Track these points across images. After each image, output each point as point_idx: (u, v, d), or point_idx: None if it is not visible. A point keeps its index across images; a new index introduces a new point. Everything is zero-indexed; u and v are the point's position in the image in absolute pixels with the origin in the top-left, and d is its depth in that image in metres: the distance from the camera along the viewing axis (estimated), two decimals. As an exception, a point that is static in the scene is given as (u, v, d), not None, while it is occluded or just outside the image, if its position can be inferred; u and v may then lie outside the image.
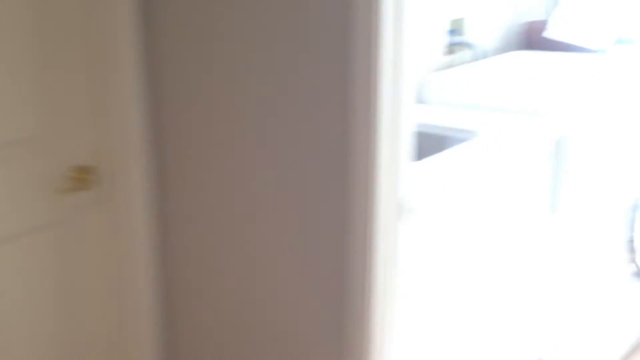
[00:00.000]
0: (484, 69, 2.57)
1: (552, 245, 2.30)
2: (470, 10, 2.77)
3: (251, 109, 1.56)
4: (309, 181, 1.51)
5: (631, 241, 2.26)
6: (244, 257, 1.67)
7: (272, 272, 1.62)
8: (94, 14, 1.61)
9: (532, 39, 2.88)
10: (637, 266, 2.32)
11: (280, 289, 1.62)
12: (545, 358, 2.19)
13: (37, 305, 1.65)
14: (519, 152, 2.00)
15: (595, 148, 2.18)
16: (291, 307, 1.61)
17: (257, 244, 1.63)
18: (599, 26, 2.70)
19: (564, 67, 2.56)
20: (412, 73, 1.45)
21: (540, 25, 2.86)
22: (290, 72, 1.47)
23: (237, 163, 1.61)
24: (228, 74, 1.57)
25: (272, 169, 1.56)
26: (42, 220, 1.61)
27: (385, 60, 1.36)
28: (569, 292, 2.33)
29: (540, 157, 2.15)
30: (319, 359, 1.58)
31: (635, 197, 2.23)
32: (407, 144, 1.48)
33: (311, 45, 1.43)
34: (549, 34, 2.74)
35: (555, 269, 2.33)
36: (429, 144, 2.18)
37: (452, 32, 2.72)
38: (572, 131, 2.20)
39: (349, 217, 1.43)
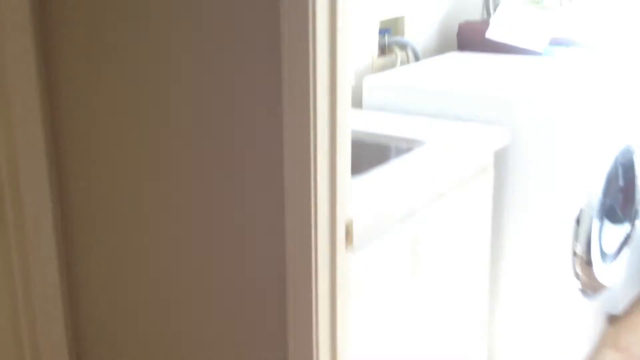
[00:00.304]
0: (422, 71, 2.42)
1: (496, 260, 2.17)
2: (403, 9, 2.62)
3: (160, 121, 1.34)
4: (237, 204, 1.31)
5: (575, 255, 2.16)
6: (162, 302, 1.45)
7: (193, 319, 1.41)
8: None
9: (468, 39, 2.76)
10: (581, 282, 2.23)
11: (207, 339, 1.41)
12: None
13: None
14: (462, 163, 1.86)
15: (538, 156, 2.06)
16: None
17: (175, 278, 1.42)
18: (538, 28, 2.60)
19: (508, 69, 2.44)
20: (349, 76, 1.28)
21: (476, 26, 2.74)
22: (209, 86, 1.27)
23: (151, 182, 1.40)
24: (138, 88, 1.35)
25: (191, 190, 1.35)
26: None
27: (320, 64, 1.18)
28: (515, 309, 2.21)
29: (481, 167, 2.01)
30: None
31: (579, 208, 2.12)
32: (347, 157, 1.30)
33: (234, 46, 1.23)
34: (490, 34, 2.62)
35: (499, 286, 2.21)
36: (368, 154, 2.01)
37: (386, 31, 2.57)
38: (514, 139, 2.07)
39: (285, 251, 1.24)
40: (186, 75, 1.29)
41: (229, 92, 1.26)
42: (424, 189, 1.69)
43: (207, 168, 1.32)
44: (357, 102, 2.33)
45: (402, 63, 2.58)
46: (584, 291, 2.28)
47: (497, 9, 2.71)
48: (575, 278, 2.21)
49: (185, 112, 1.31)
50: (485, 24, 2.69)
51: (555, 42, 2.59)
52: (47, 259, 1.54)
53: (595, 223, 2.19)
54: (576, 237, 2.15)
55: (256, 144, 1.25)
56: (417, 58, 2.61)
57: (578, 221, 2.13)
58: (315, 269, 1.21)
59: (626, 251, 2.48)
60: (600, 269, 2.28)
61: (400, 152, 1.95)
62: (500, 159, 2.10)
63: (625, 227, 2.44)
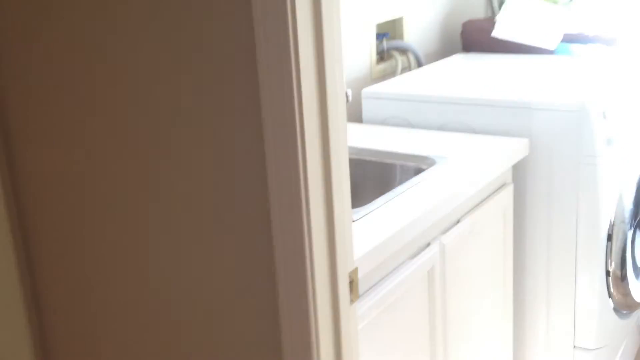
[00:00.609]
0: (426, 78, 2.21)
1: (519, 284, 1.96)
2: (401, 9, 2.41)
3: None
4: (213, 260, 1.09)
5: (608, 272, 1.95)
6: None
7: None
8: None
9: (473, 39, 2.54)
10: (614, 301, 2.01)
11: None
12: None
13: None
14: (478, 182, 1.64)
15: (561, 168, 1.85)
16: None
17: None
18: (549, 24, 2.38)
19: (521, 71, 2.22)
20: (344, 94, 1.06)
21: (481, 24, 2.52)
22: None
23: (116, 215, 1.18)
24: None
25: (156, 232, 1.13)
26: None
27: (307, 83, 0.96)
28: (541, 335, 1.99)
29: (499, 184, 1.79)
30: None
31: (610, 222, 1.90)
32: (346, 194, 1.08)
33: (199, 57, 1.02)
34: (497, 33, 2.40)
35: (525, 313, 1.99)
36: (372, 174, 1.80)
37: (384, 35, 2.35)
38: (533, 149, 1.86)
39: (279, 322, 1.02)
40: (155, 113, 1.08)
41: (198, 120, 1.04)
42: (437, 216, 1.48)
43: (177, 224, 1.10)
44: (356, 116, 2.12)
45: (403, 69, 2.37)
46: (617, 310, 2.05)
47: (503, 5, 2.49)
48: (608, 297, 1.99)
49: (161, 157, 1.10)
50: (490, 22, 2.48)
51: (568, 39, 2.37)
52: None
53: (629, 236, 1.97)
54: (608, 252, 1.93)
55: (235, 192, 1.03)
56: (419, 63, 2.40)
57: (610, 236, 1.91)
58: (317, 335, 0.99)
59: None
60: (635, 285, 2.06)
61: (406, 171, 1.74)
62: (520, 173, 1.88)
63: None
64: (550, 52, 2.37)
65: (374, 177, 1.79)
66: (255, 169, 1.01)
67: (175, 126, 1.07)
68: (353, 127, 2.03)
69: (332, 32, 0.98)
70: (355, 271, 1.09)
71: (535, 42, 2.40)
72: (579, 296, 1.90)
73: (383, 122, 2.04)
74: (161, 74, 1.05)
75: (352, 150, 1.82)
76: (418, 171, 1.70)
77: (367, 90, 2.07)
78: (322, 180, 1.02)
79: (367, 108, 2.07)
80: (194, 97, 1.04)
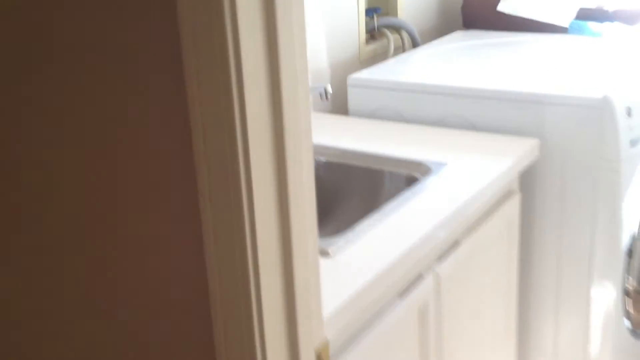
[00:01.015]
0: (422, 61, 1.93)
1: (525, 308, 1.72)
2: (398, -18, 2.12)
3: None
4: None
5: (627, 291, 1.70)
6: None
7: None
8: None
9: (475, 15, 2.26)
10: (632, 321, 1.77)
11: None
12: None
13: None
14: (481, 195, 1.38)
15: (577, 172, 1.59)
16: None
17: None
18: (562, -2, 2.10)
19: (530, 53, 1.95)
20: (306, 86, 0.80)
21: (485, -3, 2.24)
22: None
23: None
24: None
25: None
26: None
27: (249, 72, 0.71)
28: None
29: (505, 193, 1.54)
30: None
31: (631, 235, 1.65)
32: (313, 247, 0.83)
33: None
34: (502, 7, 2.12)
35: (529, 340, 1.75)
36: (356, 181, 1.54)
37: (375, 10, 2.07)
38: (545, 150, 1.60)
39: None
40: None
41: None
42: (432, 243, 1.22)
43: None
44: (341, 108, 1.86)
45: (396, 50, 2.09)
46: (634, 332, 1.81)
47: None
48: (624, 317, 1.75)
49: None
50: (496, -6, 2.20)
51: (584, 16, 2.09)
52: None
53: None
54: (628, 269, 1.68)
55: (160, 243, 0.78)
56: (415, 43, 2.12)
57: (630, 251, 1.66)
58: None
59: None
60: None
61: (397, 179, 1.48)
62: (528, 179, 1.62)
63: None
64: (564, 31, 2.10)
65: (359, 185, 1.53)
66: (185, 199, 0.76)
67: (97, 130, 0.81)
68: (337, 121, 1.77)
69: (290, 19, 0.72)
70: (325, 347, 0.84)
71: (546, 18, 2.12)
72: (592, 317, 1.66)
73: (372, 115, 1.78)
74: (86, 73, 0.79)
75: (335, 151, 1.56)
76: (410, 180, 1.45)
77: (354, 78, 1.80)
78: (277, 221, 0.76)
79: (354, 98, 1.80)
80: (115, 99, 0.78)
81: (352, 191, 1.54)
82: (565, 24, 2.10)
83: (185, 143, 0.73)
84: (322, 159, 1.57)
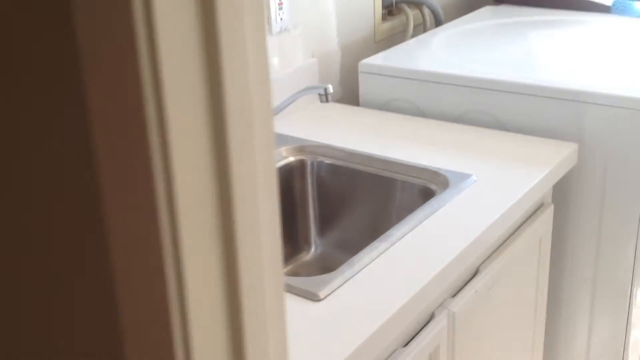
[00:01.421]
0: (445, 43, 1.71)
1: (553, 332, 1.52)
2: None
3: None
4: None
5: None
6: None
7: None
8: None
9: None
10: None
11: None
12: None
13: None
14: (510, 212, 1.18)
15: (621, 181, 1.38)
16: None
17: None
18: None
19: (569, 37, 1.72)
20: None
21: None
22: None
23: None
24: None
25: None
26: None
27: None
28: None
29: (535, 205, 1.34)
30: None
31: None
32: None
33: None
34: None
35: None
36: (363, 190, 1.34)
37: (395, -18, 1.84)
38: (583, 156, 1.39)
39: None
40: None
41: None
42: (447, 280, 1.03)
43: None
44: (351, 98, 1.65)
45: (416, 28, 1.87)
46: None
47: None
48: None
49: None
50: (531, -35, 1.95)
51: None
52: None
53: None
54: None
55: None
56: (438, 20, 1.89)
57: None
58: None
59: None
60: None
61: (410, 189, 1.28)
62: (562, 189, 1.41)
63: None
64: (606, 10, 1.86)
65: (366, 192, 1.33)
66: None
67: None
68: (345, 112, 1.56)
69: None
70: None
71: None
72: (631, 350, 1.47)
73: (385, 106, 1.57)
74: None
75: (340, 153, 1.36)
76: (424, 192, 1.25)
77: (366, 63, 1.59)
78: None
79: (366, 86, 1.59)
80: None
81: (357, 198, 1.34)
82: (607, 1, 1.86)
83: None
84: (326, 160, 1.37)
